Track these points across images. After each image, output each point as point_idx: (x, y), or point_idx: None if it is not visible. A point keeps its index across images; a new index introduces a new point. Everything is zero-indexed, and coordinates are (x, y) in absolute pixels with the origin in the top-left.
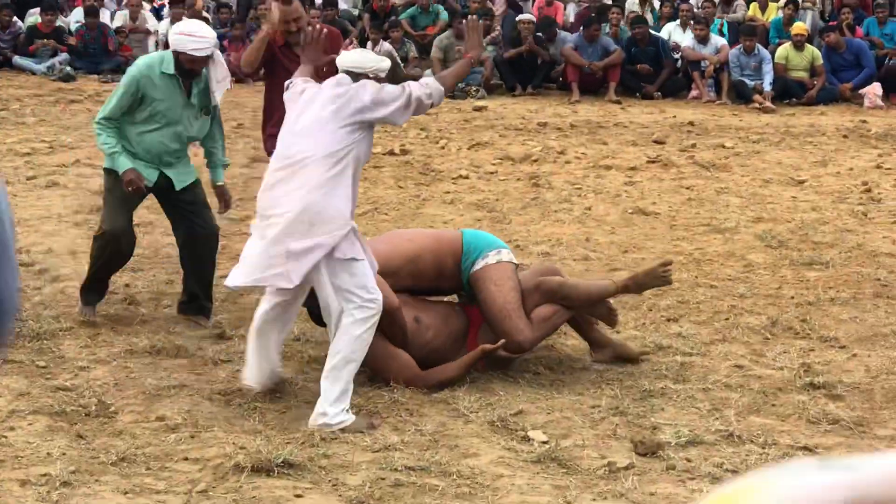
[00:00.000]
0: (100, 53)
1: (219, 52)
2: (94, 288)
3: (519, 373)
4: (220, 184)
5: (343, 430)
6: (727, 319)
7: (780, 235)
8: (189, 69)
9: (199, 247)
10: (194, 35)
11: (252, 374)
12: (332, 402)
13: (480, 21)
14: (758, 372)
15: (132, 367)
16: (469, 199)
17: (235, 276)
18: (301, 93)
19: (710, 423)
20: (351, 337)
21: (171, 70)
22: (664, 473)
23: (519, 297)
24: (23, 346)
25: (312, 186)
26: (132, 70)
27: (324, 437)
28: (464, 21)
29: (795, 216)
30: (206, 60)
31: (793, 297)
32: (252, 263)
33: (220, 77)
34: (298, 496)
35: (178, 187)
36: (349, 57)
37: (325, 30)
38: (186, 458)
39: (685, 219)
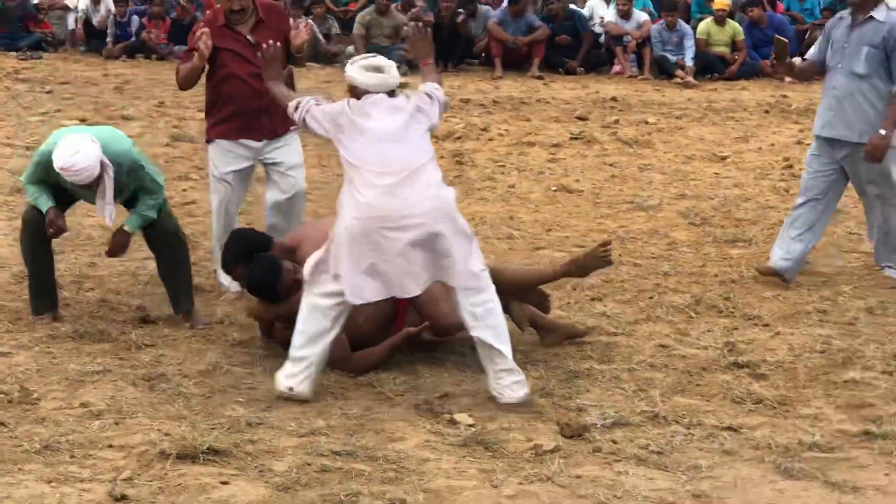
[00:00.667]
0: (18, 30)
1: (109, 172)
2: (40, 292)
3: (444, 355)
4: (126, 229)
5: None
6: (651, 298)
7: (703, 212)
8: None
9: (166, 253)
10: (71, 170)
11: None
12: None
13: (420, 24)
14: (682, 351)
15: (55, 352)
16: None
17: (364, 289)
18: (373, 105)
19: (635, 403)
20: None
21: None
22: (590, 455)
23: None
24: None
25: (437, 183)
26: (40, 158)
27: (249, 421)
28: (407, 28)
29: (718, 193)
30: (95, 182)
31: (716, 275)
32: (391, 272)
33: (107, 199)
34: (224, 483)
35: (127, 228)
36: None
37: (277, 43)
38: (111, 446)
39: (609, 196)
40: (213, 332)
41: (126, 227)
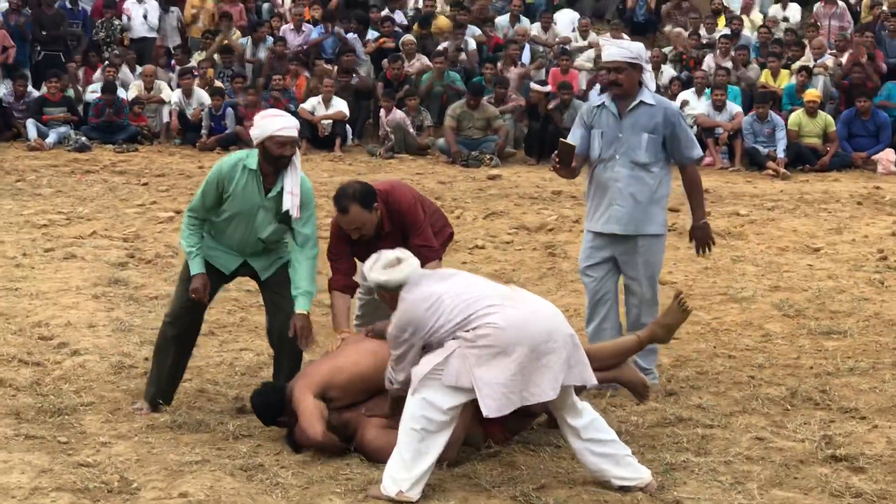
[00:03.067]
0: (115, 124)
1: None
2: (159, 385)
3: (540, 446)
4: (299, 312)
5: None
6: (746, 390)
7: (797, 304)
8: (279, 155)
9: (286, 327)
10: (277, 116)
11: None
12: None
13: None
14: (779, 444)
15: (154, 442)
16: (486, 270)
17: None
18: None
19: (732, 497)
20: None
21: (253, 165)
22: None
23: None
24: (44, 422)
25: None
26: (216, 165)
27: None
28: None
29: (812, 284)
30: (295, 145)
31: (811, 367)
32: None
33: (293, 188)
34: None
35: (262, 278)
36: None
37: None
38: None
39: (702, 288)
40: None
41: (303, 311)
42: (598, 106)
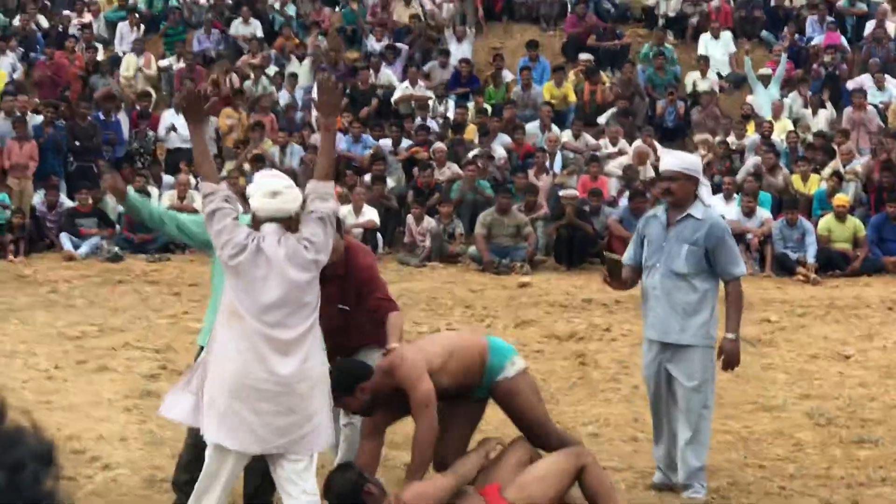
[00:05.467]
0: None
1: None
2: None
3: None
4: None
5: None
6: (778, 501)
7: (828, 412)
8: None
9: None
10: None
11: None
12: None
13: (337, 81)
14: None
15: None
16: None
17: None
18: (266, 259)
19: None
20: None
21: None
22: None
23: (542, 405)
24: None
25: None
26: None
27: None
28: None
29: (843, 392)
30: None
31: (843, 478)
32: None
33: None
34: None
35: None
36: None
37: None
38: None
39: (732, 396)
40: None
41: None
42: (652, 216)
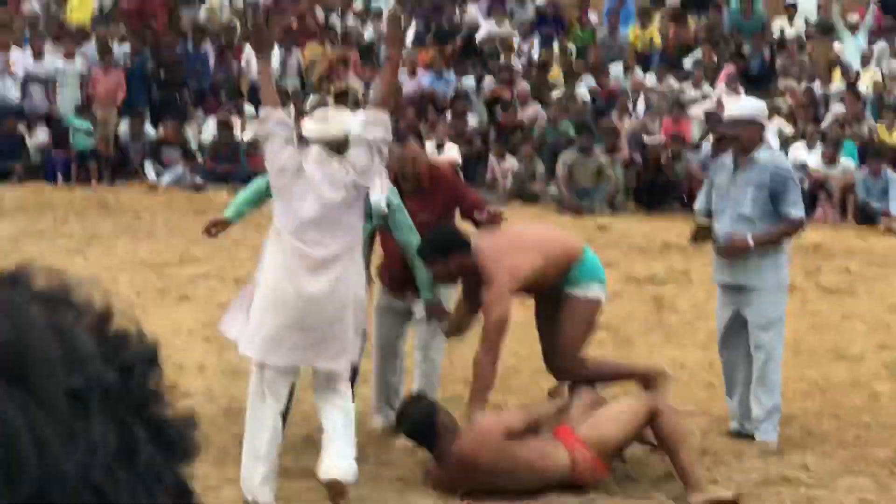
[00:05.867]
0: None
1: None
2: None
3: (641, 500)
4: (433, 298)
5: None
6: (853, 451)
7: None
8: None
9: None
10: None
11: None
12: None
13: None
14: None
15: None
16: None
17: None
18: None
19: None
20: None
21: None
22: None
23: (586, 338)
24: None
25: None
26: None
27: None
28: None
29: None
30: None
31: None
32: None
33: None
34: None
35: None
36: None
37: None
38: None
39: (810, 345)
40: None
41: (431, 297)
42: (720, 163)
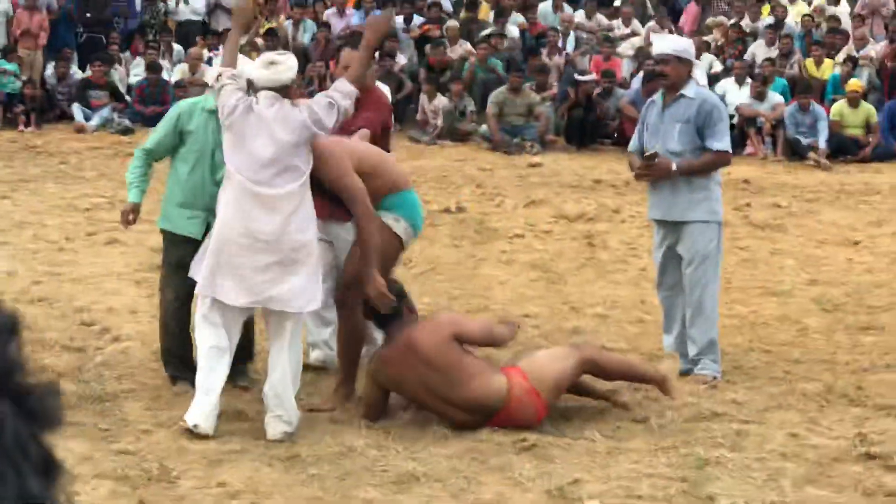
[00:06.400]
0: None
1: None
2: (174, 362)
3: (575, 440)
4: None
5: None
6: (782, 386)
7: (834, 299)
8: None
9: None
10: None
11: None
12: None
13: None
14: (813, 441)
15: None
16: (524, 259)
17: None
18: (258, 118)
19: (765, 493)
20: None
21: (211, 107)
22: None
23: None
24: (85, 409)
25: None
26: (174, 106)
27: None
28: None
29: (850, 278)
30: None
31: (848, 363)
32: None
33: None
34: None
35: None
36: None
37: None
38: None
39: (740, 281)
40: (349, 413)
41: None
42: (651, 102)
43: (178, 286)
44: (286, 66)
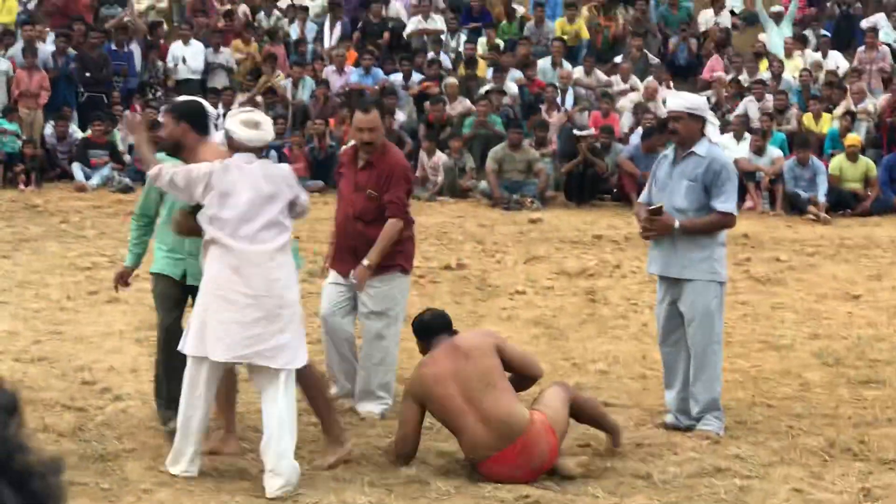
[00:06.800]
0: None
1: None
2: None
3: (577, 496)
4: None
5: None
6: (785, 440)
7: (836, 353)
8: None
9: None
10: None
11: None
12: None
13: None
14: (817, 496)
15: (195, 490)
16: (526, 316)
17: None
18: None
19: None
20: None
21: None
22: None
23: None
24: (86, 468)
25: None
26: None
27: None
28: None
29: (851, 332)
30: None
31: (850, 417)
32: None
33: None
34: None
35: (188, 282)
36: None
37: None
38: None
39: (741, 335)
40: (349, 471)
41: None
42: (663, 156)
43: (163, 318)
44: (269, 126)
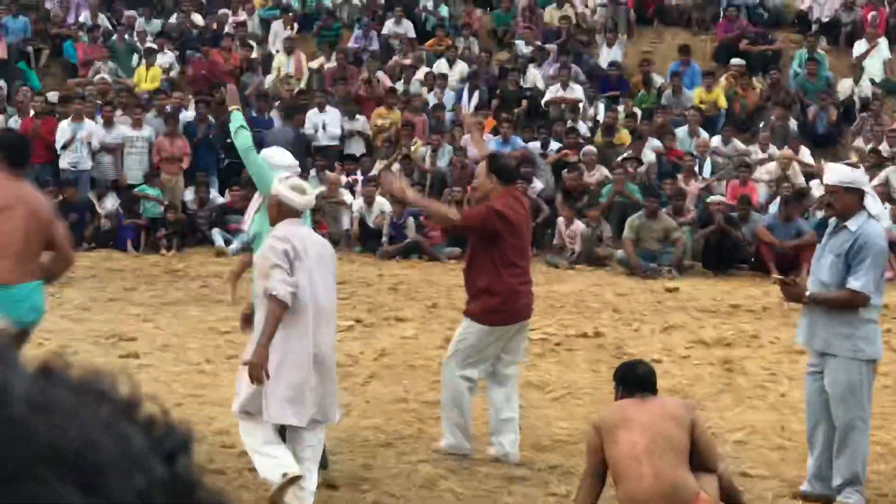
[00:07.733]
0: None
1: None
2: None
3: None
4: None
5: None
6: None
7: None
8: None
9: None
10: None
11: None
12: None
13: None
14: None
15: None
16: (662, 384)
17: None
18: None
19: None
20: None
21: None
22: None
23: None
24: None
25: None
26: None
27: None
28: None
29: None
30: None
31: None
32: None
33: None
34: None
35: None
36: None
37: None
38: None
39: (881, 407)
40: None
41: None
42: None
43: None
44: (313, 194)
